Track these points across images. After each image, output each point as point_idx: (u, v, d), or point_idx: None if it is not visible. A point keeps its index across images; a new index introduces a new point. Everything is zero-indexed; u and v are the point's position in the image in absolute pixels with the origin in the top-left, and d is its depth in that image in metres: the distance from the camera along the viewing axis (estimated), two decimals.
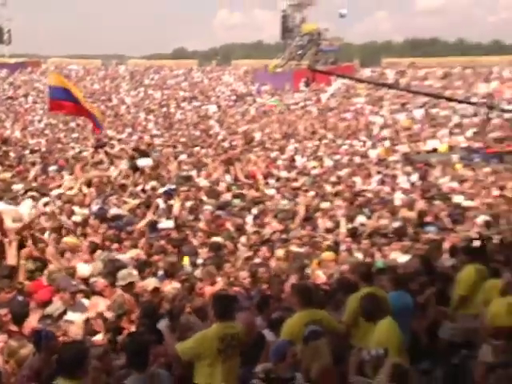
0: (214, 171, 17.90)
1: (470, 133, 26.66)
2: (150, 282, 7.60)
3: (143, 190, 14.87)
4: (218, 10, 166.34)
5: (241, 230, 11.87)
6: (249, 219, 13.22)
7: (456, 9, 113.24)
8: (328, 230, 12.46)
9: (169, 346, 5.48)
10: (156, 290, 7.37)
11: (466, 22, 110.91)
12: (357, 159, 23.12)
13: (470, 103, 29.71)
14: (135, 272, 7.65)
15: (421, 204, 15.49)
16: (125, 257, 9.00)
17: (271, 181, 18.54)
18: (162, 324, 5.87)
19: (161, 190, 14.44)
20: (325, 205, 14.96)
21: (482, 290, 6.95)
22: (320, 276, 8.89)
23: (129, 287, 7.17)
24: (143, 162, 16.93)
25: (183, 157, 21.48)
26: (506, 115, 26.61)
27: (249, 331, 5.94)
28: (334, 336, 5.81)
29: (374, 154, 24.46)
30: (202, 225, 12.13)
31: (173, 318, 6.21)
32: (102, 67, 57.35)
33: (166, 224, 11.51)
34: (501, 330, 5.62)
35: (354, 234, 11.97)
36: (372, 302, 5.87)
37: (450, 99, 31.39)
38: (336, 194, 16.47)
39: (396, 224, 13.07)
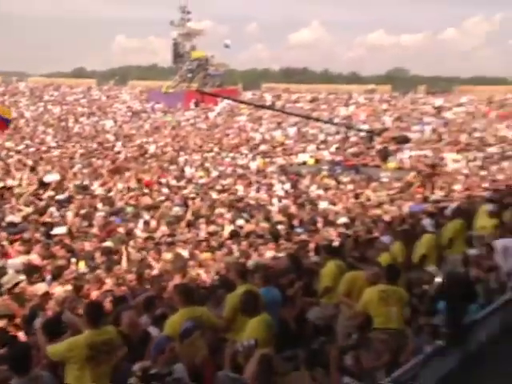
0: (108, 180, 17.18)
1: (333, 148, 27.70)
2: (40, 287, 7.01)
3: (39, 198, 13.92)
4: (116, 35, 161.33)
5: (131, 234, 11.38)
6: (140, 224, 12.77)
7: (322, 45, 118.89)
8: (211, 233, 12.29)
9: (40, 346, 4.96)
10: (46, 294, 6.79)
11: (330, 56, 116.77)
12: (239, 170, 23.29)
13: (333, 123, 30.89)
14: (22, 276, 7.02)
15: (293, 209, 15.82)
16: (16, 262, 8.27)
17: (164, 189, 18.14)
18: (37, 323, 5.29)
19: (57, 198, 13.62)
20: (210, 210, 14.84)
21: (343, 282, 6.90)
22: (201, 275, 8.69)
23: (15, 290, 6.54)
24: (50, 178, 16.01)
25: (79, 167, 20.43)
26: (361, 134, 27.97)
27: (132, 329, 5.61)
28: (210, 330, 5.63)
29: (253, 165, 24.74)
30: (95, 230, 11.53)
31: (52, 319, 5.65)
32: (1, 83, 53.20)
33: (58, 230, 10.77)
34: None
35: (234, 235, 11.89)
36: (251, 298, 5.76)
37: (317, 120, 32.49)
38: (220, 201, 16.41)
39: (273, 226, 13.20)
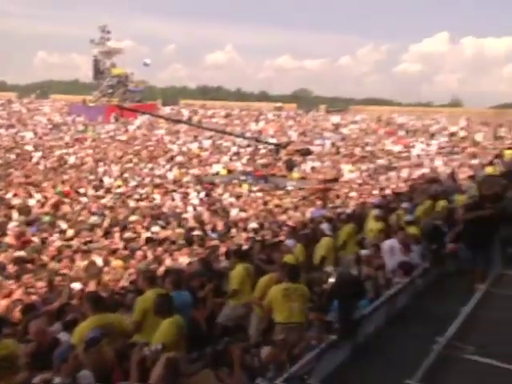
0: (21, 191, 16.04)
1: (244, 160, 27.80)
2: None
3: None
4: (37, 51, 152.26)
5: (45, 243, 10.62)
6: (57, 233, 11.97)
7: (235, 66, 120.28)
8: (128, 240, 11.77)
9: None
10: None
11: (242, 77, 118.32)
12: (156, 180, 22.71)
13: (244, 137, 31.07)
14: None
15: (206, 216, 15.61)
16: None
17: (82, 198, 17.26)
18: None
19: None
20: (130, 218, 14.29)
21: (258, 287, 6.73)
22: (115, 281, 8.25)
23: None
24: None
25: None
26: (269, 147, 28.34)
27: (40, 337, 5.16)
28: (121, 336, 5.30)
29: (170, 175, 24.24)
30: (8, 240, 10.64)
31: None
32: None
33: None
34: None
35: (149, 241, 11.47)
36: (165, 300, 5.55)
37: (230, 134, 32.55)
38: (138, 209, 15.86)
39: (187, 233, 12.91)
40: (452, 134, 29.74)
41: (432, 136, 29.82)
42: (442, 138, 29.23)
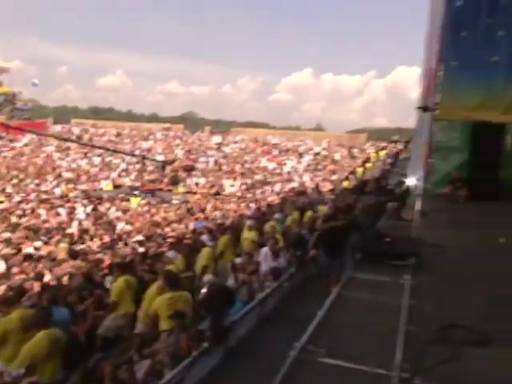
0: None
1: (133, 176, 26.65)
2: None
3: None
4: None
5: None
6: None
7: (126, 90, 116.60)
8: (6, 257, 10.42)
9: None
10: None
11: (133, 99, 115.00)
12: (43, 195, 20.70)
13: (133, 155, 29.80)
14: None
15: (92, 230, 14.52)
16: None
17: None
18: None
19: None
20: (6, 235, 12.71)
21: (149, 297, 6.21)
22: None
23: None
24: None
25: None
26: (157, 164, 27.54)
27: None
28: None
29: (58, 191, 22.27)
30: None
31: None
32: None
33: None
34: None
35: (28, 257, 10.25)
36: (41, 313, 5.08)
37: (120, 152, 31.00)
38: (19, 225, 14.23)
39: (72, 247, 11.82)
40: (316, 154, 31.46)
41: (300, 155, 31.26)
42: (309, 156, 30.78)
